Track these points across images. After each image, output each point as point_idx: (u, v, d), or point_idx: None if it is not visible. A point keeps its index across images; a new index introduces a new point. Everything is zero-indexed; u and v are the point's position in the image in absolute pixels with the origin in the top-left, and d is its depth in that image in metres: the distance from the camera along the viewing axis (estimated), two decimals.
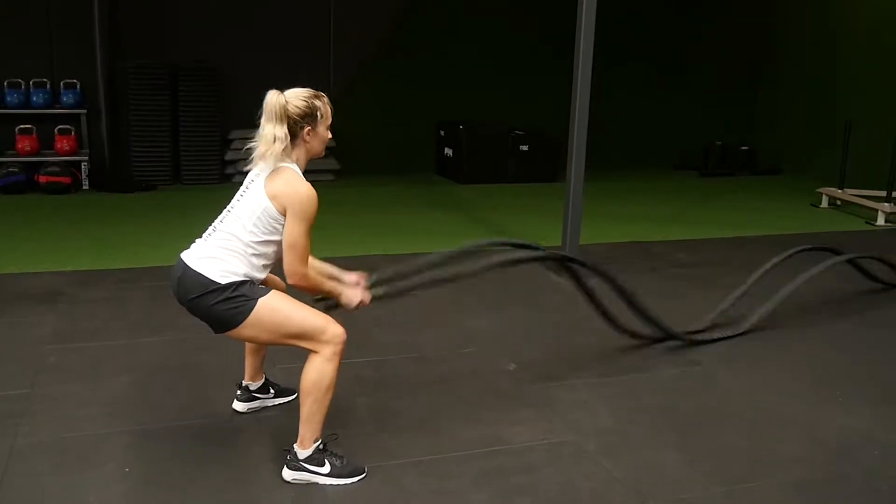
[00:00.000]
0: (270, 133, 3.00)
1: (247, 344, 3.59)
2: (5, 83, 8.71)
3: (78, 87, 8.91)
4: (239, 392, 3.70)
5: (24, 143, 8.68)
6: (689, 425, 3.74)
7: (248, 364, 3.65)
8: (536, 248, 4.36)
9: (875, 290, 5.85)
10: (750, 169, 11.52)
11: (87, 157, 8.89)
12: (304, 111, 3.04)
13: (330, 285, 3.23)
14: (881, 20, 10.08)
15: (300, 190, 2.99)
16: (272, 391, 3.75)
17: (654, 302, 4.72)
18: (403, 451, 3.39)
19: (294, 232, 2.99)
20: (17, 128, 8.67)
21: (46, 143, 8.80)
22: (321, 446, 3.11)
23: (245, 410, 3.68)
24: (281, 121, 2.99)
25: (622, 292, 4.50)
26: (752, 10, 11.72)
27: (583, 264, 4.44)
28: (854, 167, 9.14)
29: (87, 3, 8.78)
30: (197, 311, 3.05)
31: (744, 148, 11.55)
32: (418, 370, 4.26)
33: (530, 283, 5.70)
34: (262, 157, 3.03)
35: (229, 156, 9.40)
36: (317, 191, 3.03)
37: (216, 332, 3.10)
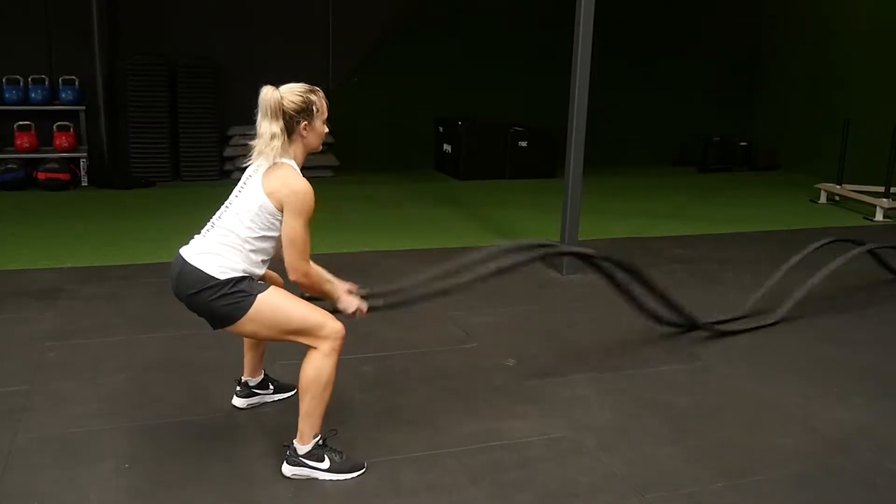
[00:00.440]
0: (267, 129, 3.00)
1: (246, 340, 3.60)
2: (4, 80, 8.70)
3: (77, 83, 8.90)
4: (238, 388, 3.71)
5: (22, 140, 8.67)
6: (687, 420, 3.75)
7: (248, 360, 3.67)
8: (552, 246, 4.39)
9: (873, 285, 5.85)
10: (748, 164, 11.54)
11: (85, 154, 8.89)
12: (299, 106, 3.04)
13: (329, 287, 3.23)
14: (880, 15, 10.07)
15: (296, 186, 2.99)
16: (271, 387, 3.76)
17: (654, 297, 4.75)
18: (402, 446, 3.40)
19: (292, 227, 2.99)
20: (16, 124, 8.66)
21: (45, 140, 8.80)
22: (320, 442, 3.12)
23: (244, 406, 3.69)
24: (276, 116, 3.00)
25: (650, 285, 4.56)
26: (750, 6, 11.71)
27: (608, 259, 4.48)
28: (852, 163, 9.15)
29: (85, 0, 8.77)
30: (196, 306, 3.06)
31: (742, 143, 11.56)
32: (418, 366, 4.27)
33: (530, 279, 5.71)
34: (261, 153, 3.03)
35: (228, 152, 9.40)
36: (316, 187, 3.04)
37: (215, 328, 3.11)
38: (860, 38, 10.33)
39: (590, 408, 3.85)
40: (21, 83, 8.75)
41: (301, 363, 3.07)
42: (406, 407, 3.78)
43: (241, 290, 2.99)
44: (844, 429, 3.70)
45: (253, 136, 3.07)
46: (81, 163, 8.85)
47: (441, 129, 10.56)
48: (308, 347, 3.06)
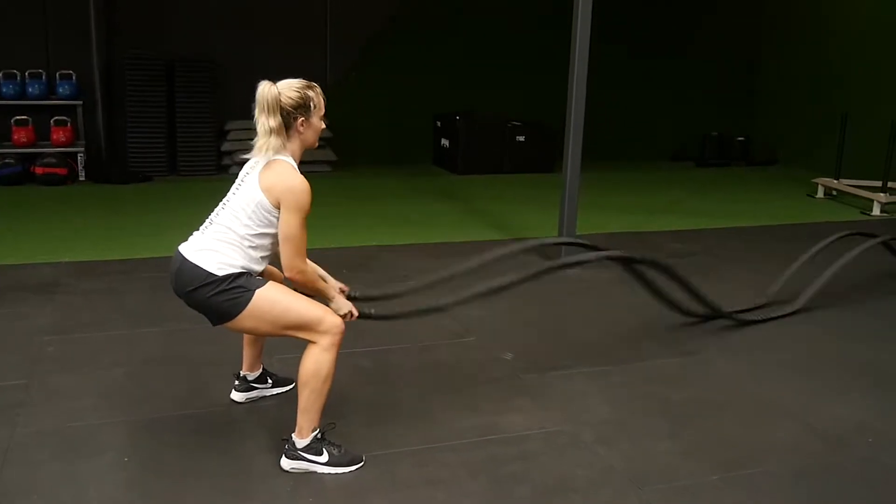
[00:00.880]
0: (265, 125, 3.00)
1: (245, 335, 3.60)
2: (0, 74, 8.69)
3: (74, 78, 8.89)
4: (237, 382, 3.71)
5: (20, 135, 8.67)
6: (685, 414, 3.76)
7: (246, 354, 3.67)
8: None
9: (872, 281, 5.86)
10: (746, 159, 11.55)
11: (83, 149, 8.88)
12: (297, 102, 3.04)
13: (323, 285, 3.23)
14: (878, 13, 10.08)
15: (293, 182, 2.99)
16: (270, 381, 3.76)
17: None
18: (401, 440, 3.41)
19: (289, 224, 2.99)
20: (13, 119, 8.66)
21: (42, 135, 8.79)
22: (319, 435, 3.13)
23: (243, 400, 3.70)
24: (274, 112, 3.00)
25: (674, 275, 4.66)
26: (749, 2, 11.71)
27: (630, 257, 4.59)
28: (850, 157, 9.17)
29: None
30: (195, 303, 3.06)
31: (740, 139, 11.57)
32: (416, 360, 4.28)
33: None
34: (260, 150, 3.04)
35: (225, 147, 9.40)
36: (313, 182, 3.04)
37: (214, 325, 3.11)
38: (858, 35, 10.34)
39: (588, 402, 3.86)
40: (18, 77, 8.74)
41: (299, 357, 3.08)
42: (404, 401, 3.79)
43: (239, 286, 2.99)
44: (842, 424, 3.71)
45: (250, 132, 3.08)
46: (79, 157, 8.84)
47: (439, 123, 10.55)
48: (307, 342, 3.06)
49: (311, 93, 3.10)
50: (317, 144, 3.24)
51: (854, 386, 4.13)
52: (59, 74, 8.86)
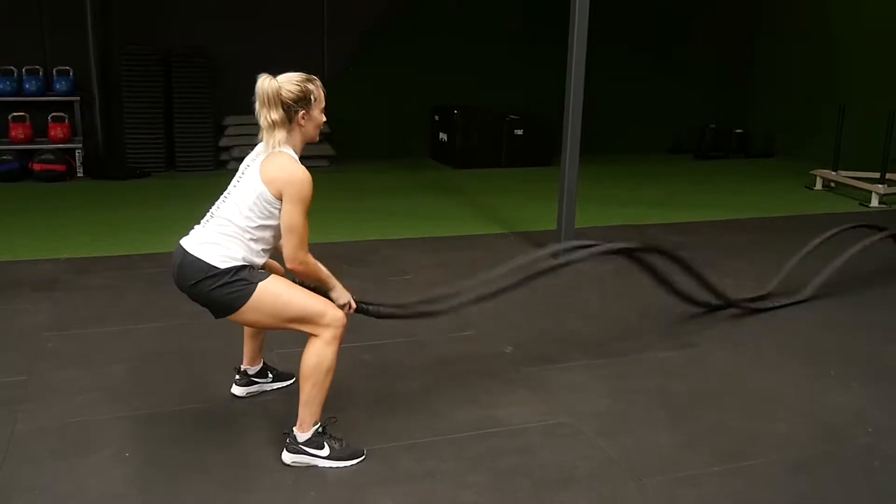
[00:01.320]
0: (268, 119, 3.01)
1: (245, 328, 3.61)
2: None
3: (71, 74, 8.88)
4: (237, 377, 3.71)
5: (17, 131, 8.66)
6: (684, 406, 3.77)
7: (247, 349, 3.67)
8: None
9: (871, 272, 5.86)
10: (744, 152, 11.56)
11: (80, 145, 8.88)
12: (297, 95, 3.04)
13: (325, 275, 3.23)
14: (874, 2, 10.07)
15: (295, 173, 2.99)
16: (270, 375, 3.77)
17: (656, 284, 4.79)
18: (401, 433, 3.41)
19: (291, 216, 2.99)
20: (11, 115, 8.65)
21: (40, 131, 8.79)
22: (320, 429, 3.13)
23: (244, 395, 3.70)
24: (276, 105, 3.00)
25: (686, 266, 4.73)
26: None
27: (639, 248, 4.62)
28: (847, 149, 9.17)
29: None
30: (197, 296, 3.06)
31: (738, 131, 11.58)
32: (416, 353, 4.28)
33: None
34: (267, 143, 3.04)
35: (223, 142, 9.38)
36: (312, 177, 3.04)
37: (217, 318, 3.11)
38: (855, 26, 10.33)
39: (587, 394, 3.86)
40: (15, 74, 8.73)
41: (300, 352, 3.08)
42: (405, 394, 3.79)
43: (241, 279, 2.99)
44: (841, 413, 3.72)
45: (248, 127, 3.08)
46: (77, 153, 8.84)
47: (437, 117, 10.55)
48: (309, 336, 3.06)
49: (311, 86, 3.10)
50: (317, 138, 3.24)
51: (854, 375, 4.13)
52: (57, 70, 8.85)
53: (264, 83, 3.00)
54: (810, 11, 11.04)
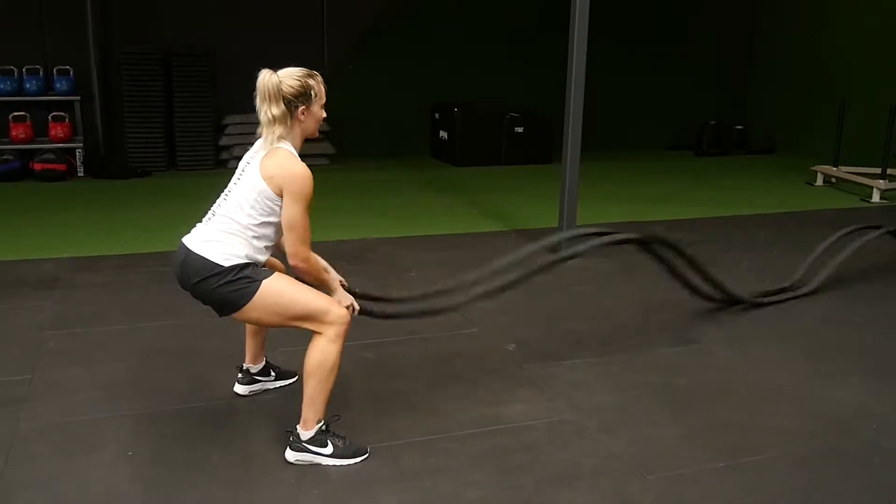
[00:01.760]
0: (268, 114, 3.00)
1: (248, 326, 3.60)
2: None
3: (71, 73, 8.86)
4: (240, 375, 3.71)
5: (18, 131, 8.65)
6: (687, 401, 3.77)
7: (249, 346, 3.67)
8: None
9: (872, 268, 5.85)
10: (744, 148, 11.54)
11: (81, 144, 8.86)
12: (298, 91, 3.04)
13: (326, 276, 3.22)
14: None
15: (295, 170, 2.99)
16: (273, 374, 3.76)
17: (658, 280, 4.78)
18: (405, 431, 3.41)
19: (292, 212, 2.99)
20: (11, 115, 8.63)
21: (40, 131, 8.77)
22: (324, 427, 3.13)
23: (246, 393, 3.70)
24: (276, 101, 2.99)
25: (694, 264, 4.74)
26: None
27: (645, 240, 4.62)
28: (848, 144, 9.16)
29: None
30: (201, 294, 3.05)
31: (738, 127, 11.56)
32: (419, 351, 4.27)
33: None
34: (266, 139, 3.03)
35: (224, 141, 9.37)
36: (312, 175, 3.03)
37: (221, 316, 3.11)
38: (855, 21, 10.32)
39: (590, 391, 3.86)
40: (15, 73, 8.72)
41: (302, 350, 3.08)
42: (408, 392, 3.79)
43: (245, 277, 2.99)
44: (843, 408, 3.72)
45: (249, 125, 3.07)
46: (77, 153, 8.82)
47: (437, 115, 10.54)
48: (312, 333, 3.06)
49: (311, 81, 3.09)
50: (317, 134, 3.23)
51: (855, 370, 4.13)
52: (57, 70, 8.83)
53: (265, 78, 2.99)
54: (810, 6, 11.03)
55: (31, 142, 8.71)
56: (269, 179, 2.98)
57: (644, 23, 11.20)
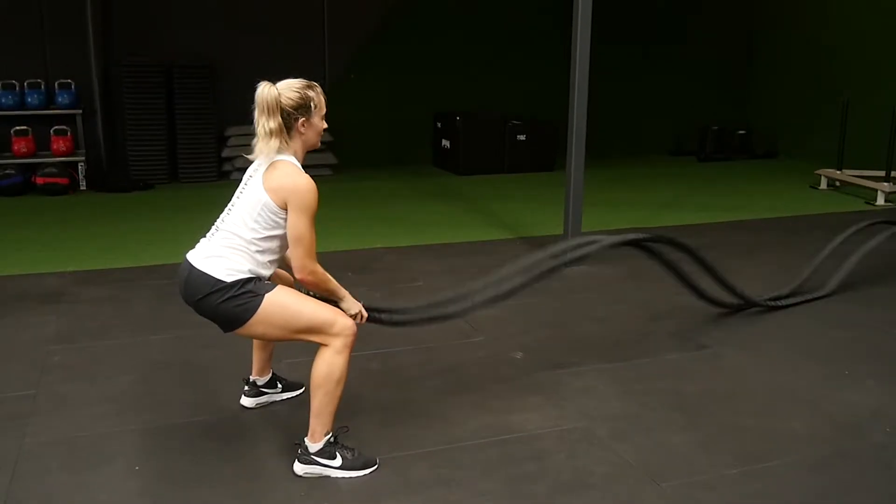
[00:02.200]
0: (265, 127, 2.98)
1: (254, 340, 3.57)
2: None
3: (73, 87, 8.86)
4: (246, 387, 3.68)
5: (20, 145, 8.64)
6: (699, 407, 3.73)
7: (256, 359, 3.64)
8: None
9: (883, 270, 5.81)
10: (747, 152, 11.51)
11: (83, 158, 8.85)
12: (297, 102, 3.01)
13: (335, 285, 3.18)
14: None
15: (299, 182, 2.96)
16: (280, 386, 3.73)
17: (665, 285, 4.74)
18: (414, 441, 3.38)
19: (298, 225, 2.96)
20: (13, 129, 8.63)
21: (42, 145, 8.77)
22: (332, 439, 3.10)
23: (253, 406, 3.67)
24: (274, 113, 2.97)
25: (707, 266, 4.74)
26: None
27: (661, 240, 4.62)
28: (851, 148, 9.14)
29: (79, 3, 8.75)
30: (205, 310, 3.02)
31: (740, 132, 11.54)
32: (426, 361, 4.24)
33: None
34: (260, 152, 3.01)
35: (226, 153, 9.37)
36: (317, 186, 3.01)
37: (225, 332, 3.07)
38: (856, 22, 10.31)
39: (600, 398, 3.83)
40: (17, 87, 8.72)
41: (309, 361, 3.05)
42: (415, 402, 3.76)
43: (248, 291, 2.96)
44: (857, 411, 3.69)
45: (250, 137, 3.05)
46: (79, 167, 8.82)
47: (439, 124, 10.53)
48: (319, 345, 3.03)
49: (311, 92, 3.07)
50: (319, 145, 3.21)
51: (869, 373, 4.10)
52: (58, 84, 8.83)
53: (264, 90, 2.97)
54: (810, 8, 11.02)
55: (34, 156, 8.71)
56: (272, 192, 2.96)
57: (643, 27, 11.19)
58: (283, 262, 3.19)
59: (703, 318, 4.86)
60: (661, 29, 11.35)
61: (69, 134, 8.81)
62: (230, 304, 2.95)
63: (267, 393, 3.70)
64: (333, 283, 3.16)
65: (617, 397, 3.83)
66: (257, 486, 3.05)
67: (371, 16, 10.10)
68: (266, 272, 3.06)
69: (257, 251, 3.01)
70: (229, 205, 3.11)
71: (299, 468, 3.10)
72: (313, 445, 3.08)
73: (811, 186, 9.31)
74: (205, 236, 3.12)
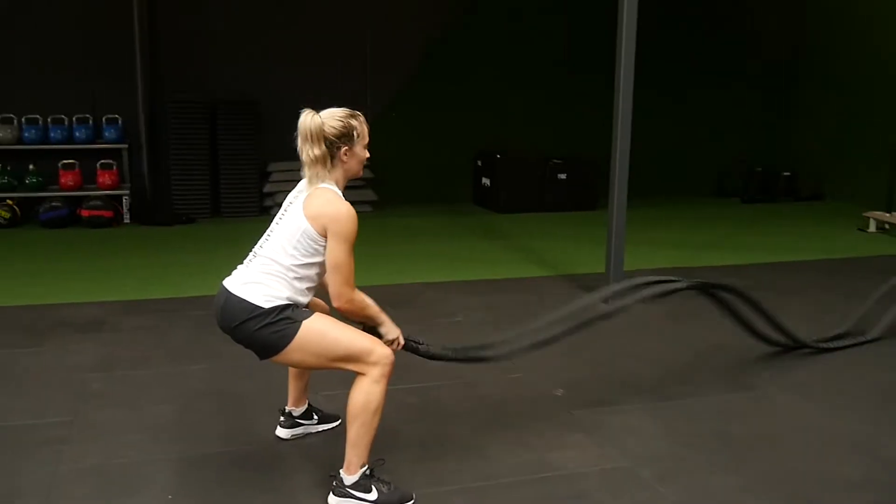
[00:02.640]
0: (310, 155, 2.97)
1: (290, 369, 3.54)
2: (49, 119, 8.85)
3: (119, 122, 9.03)
4: (282, 418, 3.63)
5: (67, 178, 8.79)
6: (745, 449, 3.61)
7: (292, 389, 3.60)
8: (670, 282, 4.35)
9: None
10: (792, 195, 11.33)
11: (128, 191, 8.98)
12: (340, 131, 3.01)
13: (374, 310, 3.14)
14: None
15: (340, 210, 2.94)
16: (316, 417, 3.68)
17: (706, 322, 4.63)
18: (452, 477, 3.30)
19: (336, 253, 2.93)
20: (61, 163, 8.79)
21: (89, 178, 8.91)
22: (368, 472, 3.03)
23: (289, 437, 3.62)
24: (318, 141, 2.96)
25: (760, 308, 4.64)
26: (788, 33, 11.62)
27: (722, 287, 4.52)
28: None
29: (128, 41, 8.94)
30: (241, 337, 2.99)
31: (786, 174, 11.37)
32: (463, 396, 4.17)
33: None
34: (310, 180, 3.00)
35: (268, 188, 9.43)
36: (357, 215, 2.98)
37: (262, 359, 3.04)
38: None
39: (644, 437, 3.72)
40: (66, 122, 8.89)
41: (346, 393, 2.99)
42: (453, 437, 3.68)
43: (286, 318, 2.93)
44: None
45: (292, 173, 3.04)
46: (124, 200, 8.93)
47: (479, 162, 10.53)
48: (356, 375, 2.97)
49: (354, 122, 3.06)
50: (361, 173, 3.19)
51: None
52: (106, 119, 9.00)
53: (307, 119, 2.97)
54: (856, 50, 10.88)
55: (80, 189, 8.85)
56: (312, 219, 2.94)
57: (686, 67, 11.12)
58: (322, 289, 3.15)
59: (749, 358, 4.74)
60: (706, 71, 11.26)
61: (115, 168, 8.95)
62: (267, 330, 2.92)
63: (303, 424, 3.64)
64: (373, 309, 3.12)
65: (661, 437, 3.72)
66: None
67: (412, 53, 10.16)
68: (304, 299, 3.03)
69: (295, 278, 2.98)
70: (268, 231, 3.09)
71: (334, 501, 3.04)
72: (349, 478, 3.01)
73: (859, 229, 9.11)
74: (242, 263, 3.10)
